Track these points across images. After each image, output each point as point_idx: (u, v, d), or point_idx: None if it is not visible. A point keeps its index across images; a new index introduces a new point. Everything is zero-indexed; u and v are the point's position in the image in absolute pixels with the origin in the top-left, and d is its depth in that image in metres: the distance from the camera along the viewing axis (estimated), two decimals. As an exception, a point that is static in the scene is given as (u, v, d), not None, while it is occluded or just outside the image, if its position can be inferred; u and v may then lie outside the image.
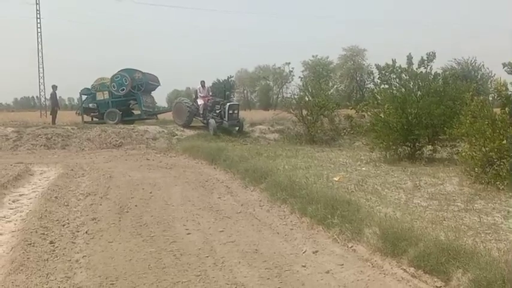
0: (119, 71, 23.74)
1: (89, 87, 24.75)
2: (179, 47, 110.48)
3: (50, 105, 25.92)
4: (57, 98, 25.52)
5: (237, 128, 20.00)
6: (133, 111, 25.54)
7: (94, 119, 24.68)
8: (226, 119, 19.22)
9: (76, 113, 26.75)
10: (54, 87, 24.46)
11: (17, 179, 11.42)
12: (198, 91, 20.96)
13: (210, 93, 21.11)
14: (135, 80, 23.25)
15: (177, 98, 25.71)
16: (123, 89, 23.20)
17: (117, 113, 23.43)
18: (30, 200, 9.35)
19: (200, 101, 20.19)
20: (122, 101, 23.81)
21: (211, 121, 19.11)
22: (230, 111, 19.28)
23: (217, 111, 19.55)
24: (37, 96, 47.39)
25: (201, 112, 20.13)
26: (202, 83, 21.63)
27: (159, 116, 25.91)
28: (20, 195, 9.83)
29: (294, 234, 7.11)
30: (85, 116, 25.10)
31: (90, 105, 24.54)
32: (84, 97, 25.05)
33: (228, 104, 19.49)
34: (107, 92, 23.78)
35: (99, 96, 23.95)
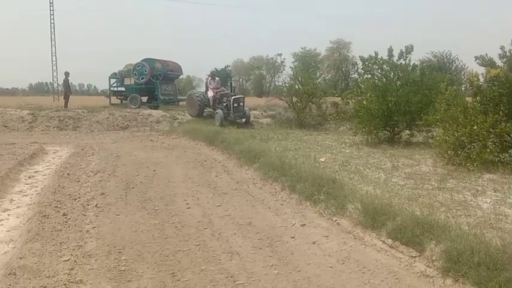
0: (140, 61, 23.37)
1: (116, 72, 24.57)
2: (180, 38, 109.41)
3: (63, 90, 25.56)
4: (69, 83, 25.14)
5: (244, 120, 19.17)
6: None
7: (123, 101, 24.44)
8: (232, 111, 18.64)
9: (105, 95, 26.56)
10: (67, 74, 24.14)
11: (32, 157, 11.38)
12: (208, 83, 20.19)
13: (219, 85, 20.56)
14: (154, 69, 22.87)
15: (190, 90, 25.05)
16: (143, 78, 22.87)
17: (139, 98, 23.19)
18: (45, 176, 9.34)
19: (210, 93, 19.58)
20: (145, 88, 23.50)
21: (219, 111, 18.55)
22: (235, 104, 18.68)
23: (224, 104, 19.00)
24: (50, 82, 47.01)
25: (211, 104, 19.52)
26: (212, 75, 20.94)
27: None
28: (35, 172, 9.81)
29: (284, 209, 7.15)
30: (114, 98, 24.96)
31: (119, 88, 24.46)
32: (112, 81, 24.82)
33: (233, 97, 18.90)
34: (132, 78, 23.64)
35: (127, 81, 23.79)
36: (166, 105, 23.44)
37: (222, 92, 19.47)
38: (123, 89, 24.26)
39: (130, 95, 23.42)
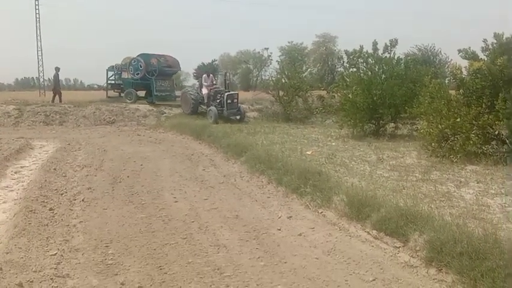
0: (136, 56, 22.81)
1: (114, 64, 24.08)
2: (168, 32, 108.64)
3: (53, 86, 25.09)
4: (59, 79, 24.76)
5: (238, 117, 18.72)
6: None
7: (121, 94, 23.92)
8: (225, 108, 18.20)
9: (103, 88, 26.01)
10: (57, 69, 23.73)
11: (18, 152, 11.26)
12: (203, 80, 19.67)
13: (214, 82, 20.18)
14: (149, 65, 22.28)
15: (184, 88, 24.20)
16: (138, 73, 22.32)
17: (134, 93, 22.71)
18: (31, 171, 9.25)
19: (204, 91, 19.13)
20: (141, 83, 22.91)
21: (213, 108, 18.12)
22: (229, 101, 18.27)
23: (218, 100, 18.57)
24: (36, 77, 46.38)
25: (206, 101, 19.05)
26: (208, 72, 20.75)
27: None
28: (22, 167, 9.70)
29: (271, 201, 7.17)
30: (112, 91, 24.53)
31: (117, 82, 23.98)
32: (110, 73, 24.31)
33: (226, 93, 18.48)
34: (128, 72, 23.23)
35: (124, 75, 23.28)
36: (162, 101, 22.86)
37: (216, 89, 19.13)
38: (120, 82, 23.82)
39: (126, 90, 23.02)
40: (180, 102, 20.87)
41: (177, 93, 23.87)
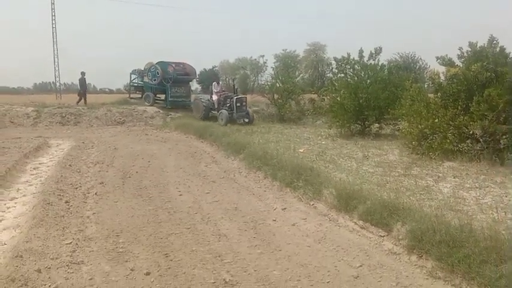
0: (156, 63, 22.26)
1: (136, 69, 23.54)
2: (171, 39, 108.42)
3: (79, 89, 24.77)
4: (85, 82, 24.43)
5: (247, 120, 18.15)
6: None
7: (143, 96, 23.43)
8: (235, 111, 17.85)
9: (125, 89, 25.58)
10: (83, 74, 23.50)
11: (37, 150, 11.22)
12: (213, 88, 19.30)
13: (223, 89, 19.95)
14: (166, 73, 21.71)
15: (196, 95, 23.46)
16: (155, 80, 21.87)
17: (152, 96, 22.33)
18: (48, 167, 9.21)
19: (215, 97, 18.76)
20: (159, 88, 22.36)
21: (223, 111, 17.77)
22: (238, 104, 17.89)
23: (228, 105, 18.20)
24: (53, 82, 46.17)
25: (216, 106, 18.68)
26: (217, 80, 20.47)
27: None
28: (40, 163, 9.66)
29: (267, 194, 7.16)
30: (135, 93, 24.10)
31: (139, 84, 23.47)
32: (133, 77, 23.80)
33: (235, 97, 18.15)
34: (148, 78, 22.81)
35: (145, 79, 22.79)
36: (176, 107, 22.00)
37: (225, 94, 18.86)
38: (142, 84, 23.41)
39: (146, 93, 22.72)
40: (192, 108, 20.44)
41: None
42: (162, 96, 22.73)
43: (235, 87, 20.35)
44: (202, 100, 19.53)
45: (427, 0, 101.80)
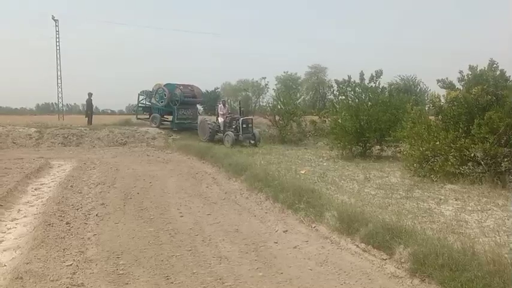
0: (163, 85, 22.37)
1: (145, 90, 23.56)
2: (176, 63, 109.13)
3: (86, 110, 24.86)
4: (92, 103, 24.62)
5: (253, 141, 17.98)
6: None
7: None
8: (241, 132, 17.73)
9: (133, 110, 25.50)
10: (90, 95, 23.75)
11: (38, 170, 11.25)
12: (219, 109, 19.22)
13: (229, 111, 19.87)
14: (173, 95, 21.80)
15: (202, 117, 23.25)
16: (162, 102, 21.97)
17: (159, 118, 22.34)
18: (50, 188, 9.22)
19: (221, 119, 18.71)
20: (166, 110, 22.40)
21: (229, 133, 17.67)
22: (244, 125, 17.77)
23: (234, 126, 18.12)
24: (55, 103, 46.45)
25: (222, 129, 18.58)
26: (223, 102, 20.37)
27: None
28: (41, 184, 9.67)
29: (268, 216, 7.13)
30: (143, 114, 24.02)
31: (147, 104, 23.41)
32: (141, 97, 23.76)
33: (241, 118, 18.06)
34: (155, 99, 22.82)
35: (153, 100, 22.78)
36: (182, 129, 21.92)
37: (231, 116, 18.78)
38: (150, 105, 23.33)
39: (153, 114, 22.74)
40: (198, 130, 20.23)
41: None
42: (169, 118, 22.69)
43: (241, 108, 20.26)
44: (208, 122, 19.39)
45: (427, 25, 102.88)
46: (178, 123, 21.88)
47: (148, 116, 23.50)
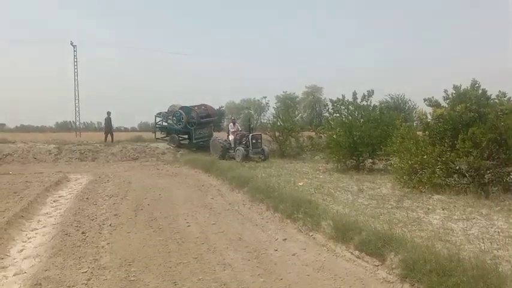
0: (179, 108, 22.06)
1: (161, 112, 23.19)
2: (181, 82, 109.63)
3: (104, 128, 24.66)
4: (111, 122, 24.09)
5: (262, 157, 17.54)
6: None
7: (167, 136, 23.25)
8: (250, 147, 17.37)
9: (152, 131, 25.08)
10: (109, 113, 23.59)
11: (57, 184, 11.27)
12: (230, 127, 19.05)
13: (240, 129, 19.47)
14: (190, 117, 21.52)
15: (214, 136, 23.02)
16: (180, 124, 21.61)
17: (177, 138, 22.16)
18: (67, 200, 9.23)
19: (231, 137, 18.45)
20: (183, 130, 22.12)
21: (240, 148, 17.32)
22: (253, 141, 17.45)
23: (244, 142, 17.77)
24: (73, 121, 46.72)
25: (233, 145, 18.21)
26: (233, 121, 20.26)
27: None
28: (59, 196, 9.69)
29: (269, 226, 7.10)
30: (160, 133, 23.69)
31: (164, 124, 23.05)
32: (158, 119, 23.44)
33: (251, 134, 17.75)
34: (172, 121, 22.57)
35: (169, 121, 22.47)
36: (199, 147, 21.50)
37: (241, 133, 18.50)
38: (167, 126, 22.95)
39: (171, 135, 22.52)
40: (210, 148, 19.87)
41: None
42: (185, 136, 22.59)
43: (251, 125, 20.10)
44: (220, 141, 19.14)
45: (414, 47, 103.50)
46: (196, 143, 21.74)
47: (165, 135, 23.36)
